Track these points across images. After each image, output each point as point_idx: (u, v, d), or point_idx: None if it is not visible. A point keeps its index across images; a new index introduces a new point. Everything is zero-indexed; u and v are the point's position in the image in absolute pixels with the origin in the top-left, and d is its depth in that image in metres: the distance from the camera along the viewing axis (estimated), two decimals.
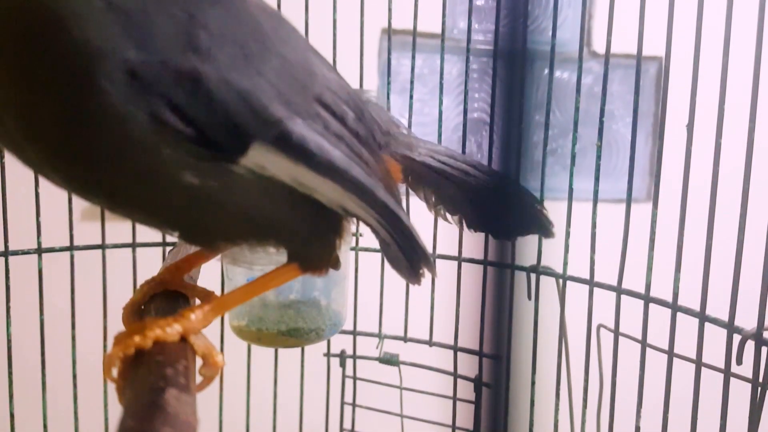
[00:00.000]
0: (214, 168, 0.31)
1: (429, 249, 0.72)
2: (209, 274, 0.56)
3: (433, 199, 0.48)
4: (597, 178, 0.64)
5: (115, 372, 0.34)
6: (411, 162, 0.45)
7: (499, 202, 0.47)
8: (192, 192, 0.31)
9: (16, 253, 0.66)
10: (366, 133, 0.39)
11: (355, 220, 0.41)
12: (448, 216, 0.49)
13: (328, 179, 0.35)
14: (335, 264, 0.42)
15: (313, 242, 0.39)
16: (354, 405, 0.77)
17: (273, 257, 0.42)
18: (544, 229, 0.50)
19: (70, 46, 0.27)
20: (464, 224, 0.49)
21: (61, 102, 0.28)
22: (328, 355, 0.75)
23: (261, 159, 0.32)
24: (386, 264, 0.73)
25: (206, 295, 0.43)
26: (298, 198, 0.35)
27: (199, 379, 0.36)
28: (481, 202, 0.47)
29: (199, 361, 0.36)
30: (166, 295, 0.43)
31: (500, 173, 0.49)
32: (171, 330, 0.35)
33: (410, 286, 0.72)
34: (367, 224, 0.40)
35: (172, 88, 0.28)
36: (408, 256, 0.41)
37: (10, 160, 0.62)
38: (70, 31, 0.26)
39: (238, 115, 0.31)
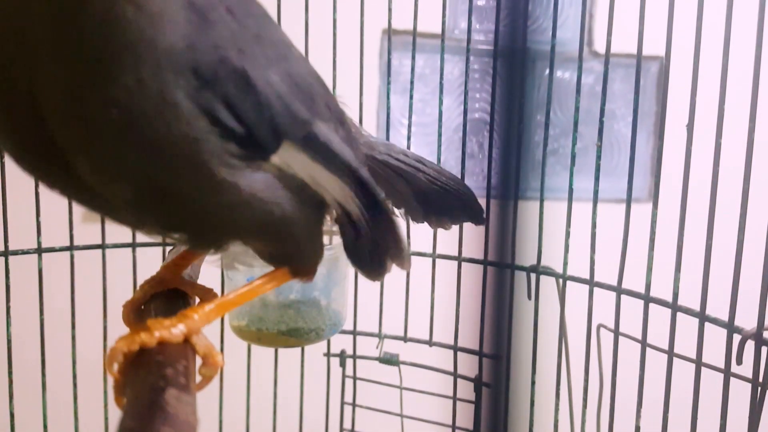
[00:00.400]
0: (248, 166, 0.32)
1: (429, 249, 0.73)
2: (209, 274, 0.56)
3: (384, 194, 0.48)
4: (597, 178, 0.64)
5: (116, 367, 0.34)
6: (372, 160, 0.47)
7: (442, 196, 0.53)
8: (222, 190, 0.32)
9: (16, 252, 0.66)
10: (350, 135, 0.41)
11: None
12: (394, 209, 0.51)
13: (338, 177, 0.37)
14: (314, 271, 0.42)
15: (308, 246, 0.39)
16: (354, 405, 0.77)
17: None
18: (474, 216, 0.55)
19: (144, 39, 0.27)
20: (409, 218, 0.54)
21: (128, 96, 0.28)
22: (328, 355, 0.75)
23: (288, 157, 0.34)
24: None
25: (206, 293, 0.43)
26: (305, 200, 0.36)
27: (198, 378, 0.36)
28: (426, 196, 0.51)
29: (198, 361, 0.37)
30: (167, 294, 0.43)
31: (446, 171, 0.54)
32: (176, 331, 0.35)
33: (410, 286, 0.72)
34: (348, 214, 0.39)
35: (228, 87, 0.29)
36: (379, 249, 0.41)
37: (10, 163, 0.62)
38: (146, 26, 0.27)
39: (279, 116, 0.32)
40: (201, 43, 0.28)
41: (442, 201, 0.53)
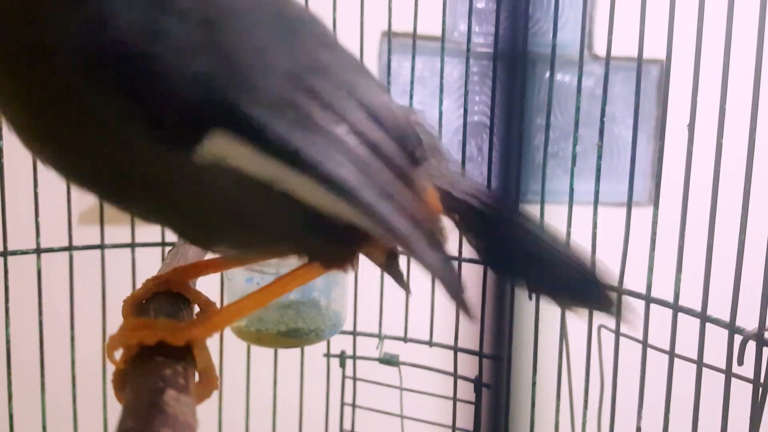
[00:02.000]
0: (179, 158, 0.30)
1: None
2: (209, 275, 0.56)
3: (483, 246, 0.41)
4: (598, 179, 0.64)
5: (117, 356, 0.34)
6: (449, 197, 0.39)
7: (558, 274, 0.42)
8: (164, 181, 0.31)
9: (15, 253, 0.66)
10: (392, 150, 0.35)
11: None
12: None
13: (295, 170, 0.30)
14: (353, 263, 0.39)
15: (331, 240, 0.36)
16: (354, 405, 0.77)
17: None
18: (601, 305, 0.43)
19: (40, 33, 0.28)
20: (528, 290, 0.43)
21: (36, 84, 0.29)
22: (328, 355, 0.75)
23: (219, 147, 0.29)
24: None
25: (206, 305, 0.42)
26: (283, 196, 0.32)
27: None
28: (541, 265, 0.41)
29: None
30: (169, 295, 0.42)
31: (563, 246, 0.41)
32: (178, 335, 0.34)
33: (410, 285, 0.72)
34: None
35: (123, 68, 0.28)
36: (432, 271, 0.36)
37: (9, 161, 0.62)
38: (41, 18, 0.27)
39: (191, 94, 0.28)
40: (97, 28, 0.27)
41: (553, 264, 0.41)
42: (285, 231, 0.35)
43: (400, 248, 0.39)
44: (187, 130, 0.29)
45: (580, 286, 0.43)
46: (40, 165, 0.63)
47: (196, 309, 0.42)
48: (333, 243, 0.36)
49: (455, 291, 0.36)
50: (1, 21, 0.28)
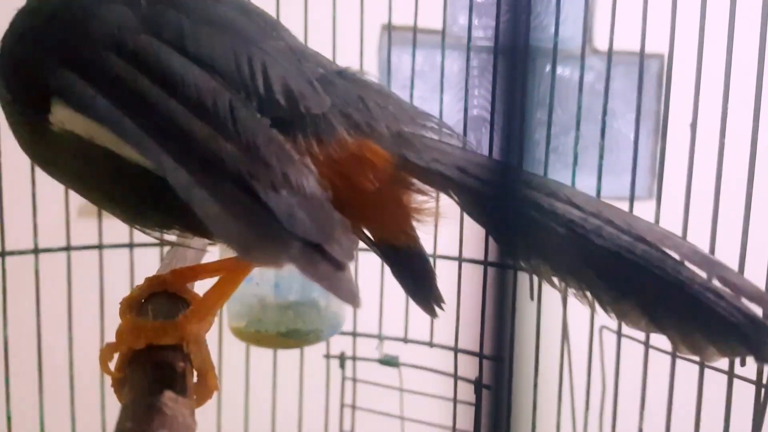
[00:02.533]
0: (42, 127, 0.34)
1: (429, 249, 0.72)
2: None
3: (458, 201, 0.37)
4: (599, 175, 0.63)
5: (111, 366, 0.35)
6: (407, 162, 0.36)
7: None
8: (37, 146, 0.36)
9: (12, 253, 0.65)
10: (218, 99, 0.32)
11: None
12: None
13: (102, 126, 0.31)
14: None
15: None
16: (354, 407, 0.76)
17: None
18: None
19: None
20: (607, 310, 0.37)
21: None
22: (327, 356, 0.75)
23: (60, 115, 0.33)
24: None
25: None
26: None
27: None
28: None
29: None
30: (167, 296, 0.42)
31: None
32: (168, 335, 0.35)
33: None
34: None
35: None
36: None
37: (6, 162, 0.62)
38: None
39: (32, 67, 0.33)
40: None
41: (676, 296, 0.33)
42: (135, 199, 0.35)
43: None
44: (37, 104, 0.33)
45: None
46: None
47: None
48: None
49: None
50: None
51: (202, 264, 0.46)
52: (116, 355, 0.35)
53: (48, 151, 0.36)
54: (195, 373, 0.35)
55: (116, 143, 0.32)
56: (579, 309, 0.66)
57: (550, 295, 0.67)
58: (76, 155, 0.34)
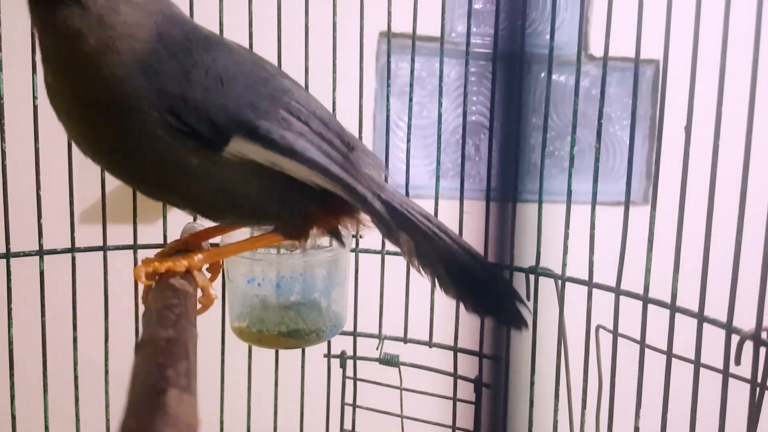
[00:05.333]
0: (211, 156, 0.46)
1: None
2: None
3: (407, 248, 0.52)
4: (596, 179, 0.64)
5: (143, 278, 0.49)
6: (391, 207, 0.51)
7: (477, 282, 0.51)
8: (198, 174, 0.46)
9: (17, 254, 0.66)
10: (331, 136, 0.50)
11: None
12: (422, 270, 0.52)
13: (289, 158, 0.47)
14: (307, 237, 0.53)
15: (292, 215, 0.50)
16: (354, 406, 0.77)
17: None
18: (515, 322, 0.48)
19: (119, 91, 0.44)
20: (437, 284, 0.52)
21: (117, 122, 0.44)
22: (328, 356, 0.76)
23: (239, 147, 0.46)
24: (386, 265, 0.74)
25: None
26: (279, 178, 0.48)
27: (198, 306, 0.48)
28: (456, 270, 0.51)
29: (199, 292, 0.49)
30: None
31: (480, 256, 0.51)
32: (180, 264, 0.49)
33: (410, 287, 0.72)
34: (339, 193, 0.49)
35: (173, 104, 0.44)
36: (379, 219, 0.50)
37: (12, 163, 0.63)
38: (121, 85, 0.43)
39: (218, 119, 0.45)
40: (154, 82, 0.44)
41: (474, 278, 0.51)
42: (267, 207, 0.50)
43: (350, 214, 0.53)
44: (218, 139, 0.46)
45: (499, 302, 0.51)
46: (42, 167, 0.64)
47: (206, 266, 0.54)
48: (295, 217, 0.50)
49: (390, 228, 0.50)
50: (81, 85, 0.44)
51: (212, 227, 0.59)
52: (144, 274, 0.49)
53: (206, 172, 0.46)
54: (199, 291, 0.49)
55: (287, 167, 0.47)
56: (576, 309, 0.67)
57: (547, 295, 0.68)
58: (236, 174, 0.47)
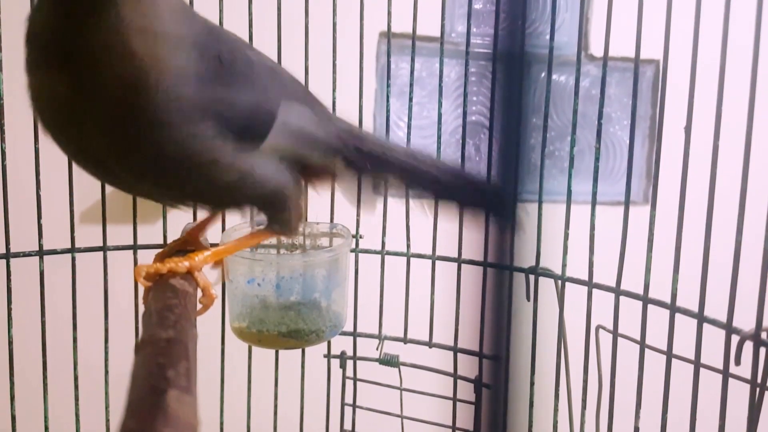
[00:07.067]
0: (248, 151, 0.47)
1: (429, 251, 0.73)
2: (211, 276, 0.57)
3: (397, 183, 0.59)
4: (596, 179, 0.64)
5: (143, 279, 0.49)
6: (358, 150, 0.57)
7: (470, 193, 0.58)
8: (230, 171, 0.47)
9: (17, 255, 0.66)
10: (329, 122, 0.56)
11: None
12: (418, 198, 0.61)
13: (307, 142, 0.52)
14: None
15: (294, 207, 0.53)
16: (354, 406, 0.77)
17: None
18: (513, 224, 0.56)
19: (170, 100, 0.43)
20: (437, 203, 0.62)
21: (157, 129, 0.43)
22: (328, 356, 0.76)
23: (274, 140, 0.49)
24: (386, 265, 0.74)
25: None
26: (290, 171, 0.52)
27: (199, 306, 0.49)
28: (449, 189, 0.59)
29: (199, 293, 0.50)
30: (184, 253, 0.54)
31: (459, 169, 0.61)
32: (182, 265, 0.49)
33: (410, 287, 0.72)
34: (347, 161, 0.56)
35: (225, 112, 0.45)
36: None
37: (12, 163, 0.63)
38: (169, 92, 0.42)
39: (259, 116, 0.48)
40: (205, 94, 0.44)
41: (467, 192, 0.59)
42: (284, 191, 0.52)
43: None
44: (260, 136, 0.49)
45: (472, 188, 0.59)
46: (42, 167, 0.64)
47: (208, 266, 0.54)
48: (296, 209, 0.53)
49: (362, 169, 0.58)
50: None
51: (205, 219, 0.61)
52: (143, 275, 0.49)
53: (238, 167, 0.47)
54: (199, 291, 0.50)
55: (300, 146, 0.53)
56: (575, 309, 0.67)
57: (547, 295, 0.68)
58: (263, 163, 0.49)
